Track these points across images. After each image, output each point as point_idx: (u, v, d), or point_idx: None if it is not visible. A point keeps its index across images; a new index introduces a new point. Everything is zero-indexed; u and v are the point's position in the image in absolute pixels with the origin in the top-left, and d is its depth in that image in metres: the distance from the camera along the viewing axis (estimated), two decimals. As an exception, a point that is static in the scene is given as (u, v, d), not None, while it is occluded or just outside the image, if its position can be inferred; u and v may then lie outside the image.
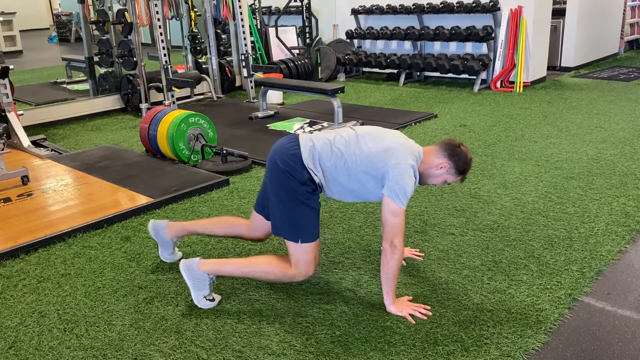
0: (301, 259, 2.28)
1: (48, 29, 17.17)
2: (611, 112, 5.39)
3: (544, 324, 2.15)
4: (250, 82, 6.64)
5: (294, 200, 2.25)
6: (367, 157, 2.21)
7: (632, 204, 3.24)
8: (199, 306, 2.34)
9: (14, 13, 12.65)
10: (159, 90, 5.97)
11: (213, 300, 2.36)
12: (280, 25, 8.44)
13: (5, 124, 4.42)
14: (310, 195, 2.26)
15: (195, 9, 7.01)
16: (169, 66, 5.70)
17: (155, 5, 5.63)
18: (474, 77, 6.91)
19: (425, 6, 7.34)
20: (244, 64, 6.59)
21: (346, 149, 2.23)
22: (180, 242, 2.86)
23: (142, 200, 3.52)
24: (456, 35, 7.01)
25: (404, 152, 2.20)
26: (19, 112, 4.99)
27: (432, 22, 7.45)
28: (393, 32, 7.65)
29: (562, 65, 7.94)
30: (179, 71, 6.98)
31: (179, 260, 2.71)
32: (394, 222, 2.17)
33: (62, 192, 3.72)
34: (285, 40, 8.27)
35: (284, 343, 2.10)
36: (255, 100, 6.53)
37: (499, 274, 2.53)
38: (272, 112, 5.80)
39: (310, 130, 5.07)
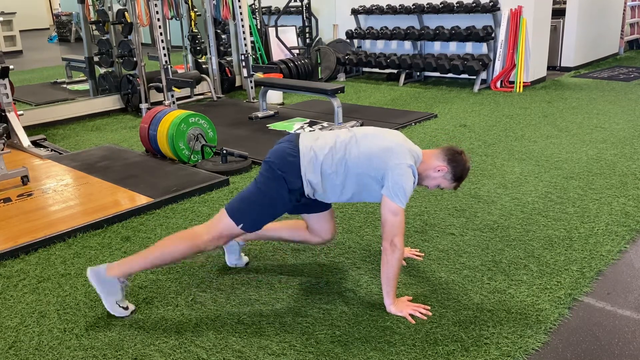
0: (219, 228, 2.24)
1: (48, 29, 17.17)
2: (611, 112, 5.39)
3: (544, 324, 2.16)
4: (250, 82, 6.64)
5: (271, 198, 2.24)
6: (367, 158, 2.21)
7: (632, 204, 3.24)
8: (112, 313, 2.29)
9: (14, 13, 12.65)
10: (159, 90, 5.97)
11: (127, 308, 2.31)
12: (280, 25, 8.45)
13: (5, 124, 4.43)
14: (287, 204, 2.27)
15: (195, 9, 7.01)
16: (169, 66, 5.70)
17: (155, 5, 5.63)
18: (474, 77, 6.91)
19: (425, 6, 7.34)
20: (244, 64, 6.59)
21: (347, 153, 2.23)
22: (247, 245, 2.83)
23: (142, 200, 3.52)
24: (456, 35, 7.01)
25: (403, 152, 2.20)
26: (19, 112, 4.99)
27: (432, 22, 7.45)
28: (393, 32, 7.65)
29: (562, 65, 7.94)
30: (179, 71, 6.98)
31: (246, 265, 2.69)
32: (394, 222, 2.17)
33: (62, 192, 3.72)
34: (285, 40, 8.27)
35: (284, 343, 2.10)
36: (255, 100, 6.53)
37: (499, 274, 2.53)
38: (272, 112, 5.80)
39: (310, 131, 5.07)
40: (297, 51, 8.26)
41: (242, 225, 2.24)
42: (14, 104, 4.93)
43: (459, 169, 2.28)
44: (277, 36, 8.26)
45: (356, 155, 2.22)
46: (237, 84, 7.42)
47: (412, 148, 2.27)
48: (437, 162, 2.28)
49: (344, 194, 2.29)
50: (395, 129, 5.00)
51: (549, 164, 3.97)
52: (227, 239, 2.30)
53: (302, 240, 2.59)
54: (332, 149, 2.24)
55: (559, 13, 7.68)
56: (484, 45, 7.06)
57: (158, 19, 5.64)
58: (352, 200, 2.36)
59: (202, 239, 2.25)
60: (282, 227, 2.59)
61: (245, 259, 2.73)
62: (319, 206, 2.44)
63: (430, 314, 2.24)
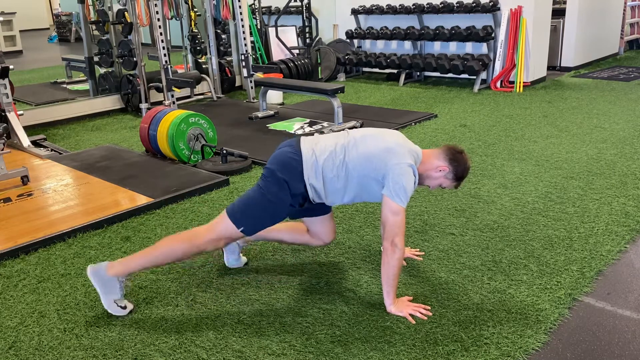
0: (220, 230, 2.25)
1: (48, 29, 17.19)
2: (611, 112, 5.39)
3: (544, 324, 2.16)
4: (250, 82, 6.64)
5: (271, 201, 2.24)
6: (367, 159, 2.21)
7: (632, 204, 3.24)
8: (110, 312, 2.30)
9: (14, 13, 12.65)
10: (159, 90, 5.97)
11: (125, 307, 2.31)
12: (280, 25, 8.45)
13: (5, 124, 4.43)
14: (289, 209, 2.27)
15: (195, 9, 7.01)
16: (169, 66, 5.70)
17: (155, 5, 5.63)
18: (474, 77, 6.91)
19: (425, 6, 7.34)
20: (244, 64, 6.59)
21: (346, 156, 2.23)
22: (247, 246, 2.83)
23: (142, 200, 3.52)
24: (456, 35, 7.01)
25: (403, 152, 2.20)
26: (19, 112, 4.99)
27: (432, 22, 7.45)
28: (393, 32, 7.65)
29: (562, 65, 7.94)
30: (179, 71, 6.98)
31: (245, 265, 2.70)
32: (395, 222, 2.17)
33: (62, 192, 3.72)
34: (285, 40, 8.27)
35: (284, 343, 2.10)
36: (255, 100, 6.53)
37: (499, 274, 2.53)
38: (272, 112, 5.80)
39: (310, 131, 5.07)
40: (297, 51, 8.26)
41: (242, 228, 2.25)
42: (14, 104, 4.93)
43: (460, 168, 2.29)
44: (277, 36, 8.26)
45: (356, 157, 2.22)
46: (237, 84, 7.42)
47: (412, 148, 2.27)
48: (438, 162, 2.28)
49: (346, 197, 2.30)
50: (395, 129, 4.99)
51: (549, 164, 3.97)
52: (226, 241, 2.31)
53: (303, 243, 2.60)
54: (332, 153, 2.24)
55: (559, 13, 7.68)
56: (484, 45, 7.06)
57: (158, 19, 5.64)
58: (354, 202, 2.36)
59: (202, 239, 2.26)
60: (283, 230, 2.59)
61: (244, 259, 2.73)
62: (319, 210, 2.45)
63: (430, 314, 2.24)
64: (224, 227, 2.26)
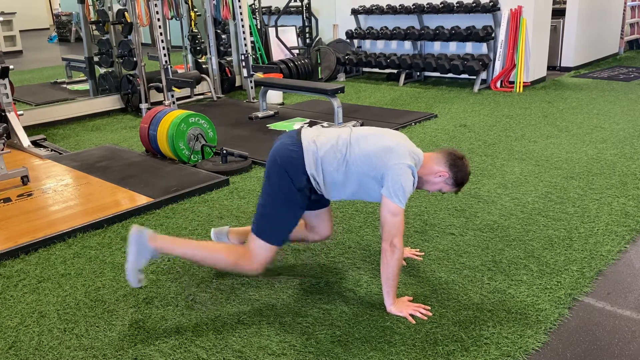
0: (259, 257, 2.27)
1: (48, 29, 17.20)
2: (611, 112, 5.39)
3: (544, 324, 2.16)
4: (250, 82, 6.64)
5: (283, 203, 2.25)
6: (367, 157, 2.21)
7: (632, 204, 3.24)
8: (128, 275, 2.30)
9: (14, 13, 12.66)
10: (159, 90, 5.97)
11: (140, 281, 2.32)
12: (280, 25, 8.44)
13: (5, 124, 4.43)
14: (303, 202, 2.27)
15: (195, 9, 7.01)
16: (169, 66, 5.70)
17: (155, 5, 5.63)
18: (474, 77, 6.91)
19: (425, 6, 7.34)
20: (244, 64, 6.59)
21: (347, 152, 2.23)
22: None
23: (142, 200, 3.52)
24: (456, 35, 7.01)
25: (403, 153, 2.20)
26: (19, 112, 4.99)
27: (432, 22, 7.45)
28: (393, 32, 7.65)
29: (562, 65, 7.94)
30: (179, 71, 6.98)
31: None
32: (393, 222, 2.17)
33: (62, 192, 3.72)
34: (285, 40, 8.27)
35: (284, 343, 2.10)
36: (255, 100, 6.53)
37: (499, 274, 2.53)
38: (272, 112, 5.80)
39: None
40: (297, 51, 8.26)
41: (274, 241, 2.27)
42: (14, 104, 4.93)
43: (460, 174, 2.28)
44: (277, 36, 8.26)
45: (357, 154, 2.22)
46: (237, 84, 7.42)
47: (413, 150, 2.26)
48: (437, 168, 2.28)
49: (343, 193, 2.30)
50: (395, 129, 5.00)
51: (549, 164, 3.97)
52: (270, 259, 2.31)
53: (301, 238, 2.60)
54: (333, 147, 2.24)
55: (559, 13, 7.68)
56: (484, 45, 7.05)
57: (158, 19, 5.65)
58: (354, 198, 2.36)
59: (249, 266, 2.29)
60: None
61: None
62: (319, 203, 2.45)
63: (430, 314, 2.24)
64: (260, 252, 2.27)
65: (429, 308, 2.27)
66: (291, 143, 2.27)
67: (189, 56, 7.32)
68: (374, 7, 7.93)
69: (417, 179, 2.23)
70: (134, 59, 6.03)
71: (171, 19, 6.48)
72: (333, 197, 2.35)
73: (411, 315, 2.22)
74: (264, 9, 9.44)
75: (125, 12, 5.88)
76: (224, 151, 4.13)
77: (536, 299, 2.32)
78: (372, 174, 2.21)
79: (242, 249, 2.35)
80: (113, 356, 2.07)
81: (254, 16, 8.44)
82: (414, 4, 7.45)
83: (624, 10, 8.88)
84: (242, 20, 6.64)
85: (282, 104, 6.57)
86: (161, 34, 5.65)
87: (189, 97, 6.76)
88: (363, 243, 2.89)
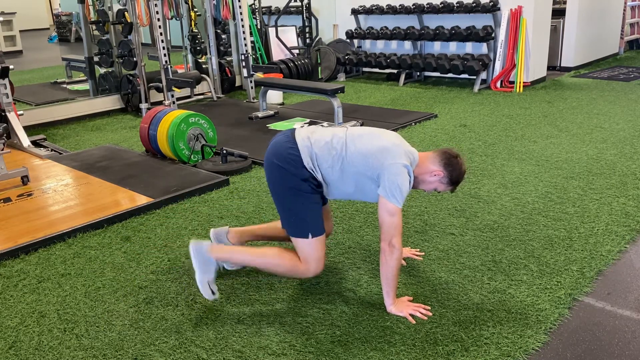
0: (312, 255, 2.26)
1: (48, 29, 17.19)
2: (611, 112, 5.39)
3: (544, 324, 2.16)
4: (250, 82, 6.64)
5: (297, 195, 2.25)
6: (363, 157, 2.21)
7: (632, 204, 3.24)
8: (200, 290, 2.31)
9: (14, 13, 12.66)
10: (159, 90, 5.97)
11: (214, 293, 2.33)
12: (280, 25, 8.45)
13: (5, 124, 4.43)
14: (314, 190, 2.26)
15: (195, 9, 7.01)
16: (169, 66, 5.70)
17: (155, 5, 5.63)
18: (474, 77, 6.91)
19: (425, 6, 7.34)
20: (244, 64, 6.59)
21: (343, 151, 2.23)
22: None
23: (142, 200, 3.52)
24: (456, 35, 7.01)
25: (399, 153, 2.20)
26: (19, 112, 4.99)
27: (432, 22, 7.45)
28: (393, 32, 7.65)
29: (562, 65, 7.94)
30: (179, 71, 6.99)
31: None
32: (391, 222, 2.17)
33: (62, 192, 3.72)
34: (285, 40, 8.27)
35: (284, 343, 2.10)
36: (255, 100, 6.53)
37: (499, 274, 2.53)
38: (272, 112, 5.80)
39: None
40: (297, 51, 8.26)
41: (315, 232, 2.25)
42: (14, 104, 4.93)
43: (455, 173, 2.28)
44: (277, 36, 8.26)
45: (352, 154, 2.22)
46: (237, 84, 7.42)
47: (408, 149, 2.27)
48: (432, 167, 2.28)
49: (343, 191, 2.30)
50: (395, 129, 5.02)
51: (549, 164, 3.97)
52: (323, 252, 2.30)
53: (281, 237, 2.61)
54: (328, 144, 2.24)
55: (559, 13, 7.68)
56: (484, 45, 7.06)
57: (158, 19, 5.65)
58: (351, 198, 2.36)
59: (308, 268, 2.28)
60: (279, 227, 2.60)
61: None
62: None
63: (430, 314, 2.24)
64: (309, 251, 2.26)
65: (429, 308, 2.27)
66: (287, 141, 2.29)
67: (189, 56, 7.32)
68: (374, 7, 7.93)
69: (412, 178, 2.23)
70: (134, 59, 6.03)
71: (171, 19, 6.48)
72: (332, 196, 2.36)
73: (411, 315, 2.22)
74: (264, 9, 9.44)
75: (125, 12, 5.88)
76: (224, 151, 4.13)
77: (536, 299, 2.32)
78: (368, 174, 2.21)
79: (294, 255, 2.31)
80: (113, 356, 2.07)
81: (254, 16, 8.44)
82: (414, 4, 7.45)
83: (624, 10, 8.88)
84: (242, 20, 6.64)
85: (282, 104, 6.57)
86: (161, 34, 5.65)
87: (189, 97, 6.76)
88: (363, 243, 2.89)
